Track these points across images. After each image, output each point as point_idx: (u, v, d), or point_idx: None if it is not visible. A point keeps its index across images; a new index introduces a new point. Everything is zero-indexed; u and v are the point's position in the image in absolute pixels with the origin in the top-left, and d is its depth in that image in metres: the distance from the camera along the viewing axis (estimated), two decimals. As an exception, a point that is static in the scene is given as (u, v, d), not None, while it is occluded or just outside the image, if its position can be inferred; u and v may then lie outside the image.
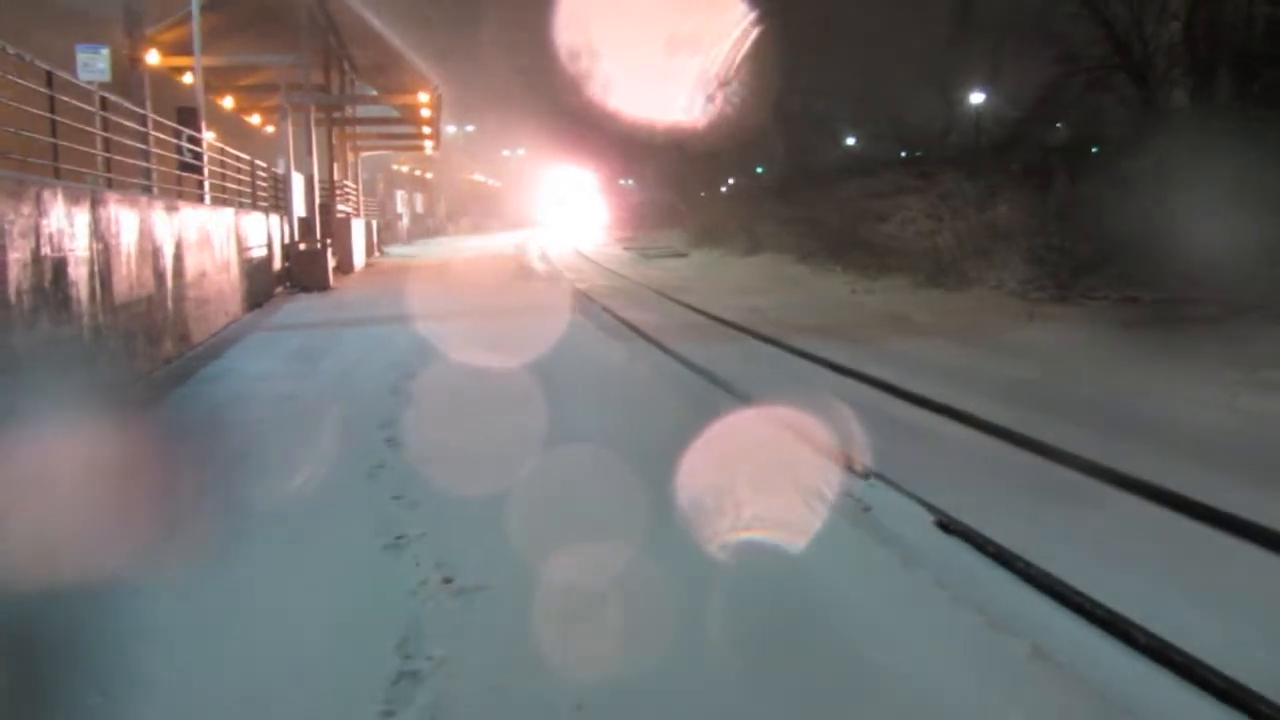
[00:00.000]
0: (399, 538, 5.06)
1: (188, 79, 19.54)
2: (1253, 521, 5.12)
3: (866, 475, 6.08)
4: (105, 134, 10.61)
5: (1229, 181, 11.76)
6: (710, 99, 26.43)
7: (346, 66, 27.03)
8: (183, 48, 19.00)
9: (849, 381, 9.57)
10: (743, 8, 23.09)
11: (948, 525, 5.31)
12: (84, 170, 9.74)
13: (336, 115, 28.04)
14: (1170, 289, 12.66)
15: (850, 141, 34.36)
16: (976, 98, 26.96)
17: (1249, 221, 11.06)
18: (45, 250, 7.57)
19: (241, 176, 18.31)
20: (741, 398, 8.62)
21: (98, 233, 8.74)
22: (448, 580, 4.47)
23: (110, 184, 10.37)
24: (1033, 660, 3.77)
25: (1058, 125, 21.63)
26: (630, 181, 52.21)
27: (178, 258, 11.51)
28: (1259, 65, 16.25)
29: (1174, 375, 9.22)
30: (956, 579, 4.53)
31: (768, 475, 5.92)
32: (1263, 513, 5.14)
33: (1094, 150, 20.17)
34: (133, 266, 9.74)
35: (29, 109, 8.50)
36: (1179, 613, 4.19)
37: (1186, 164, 13.76)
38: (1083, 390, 9.01)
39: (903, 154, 28.51)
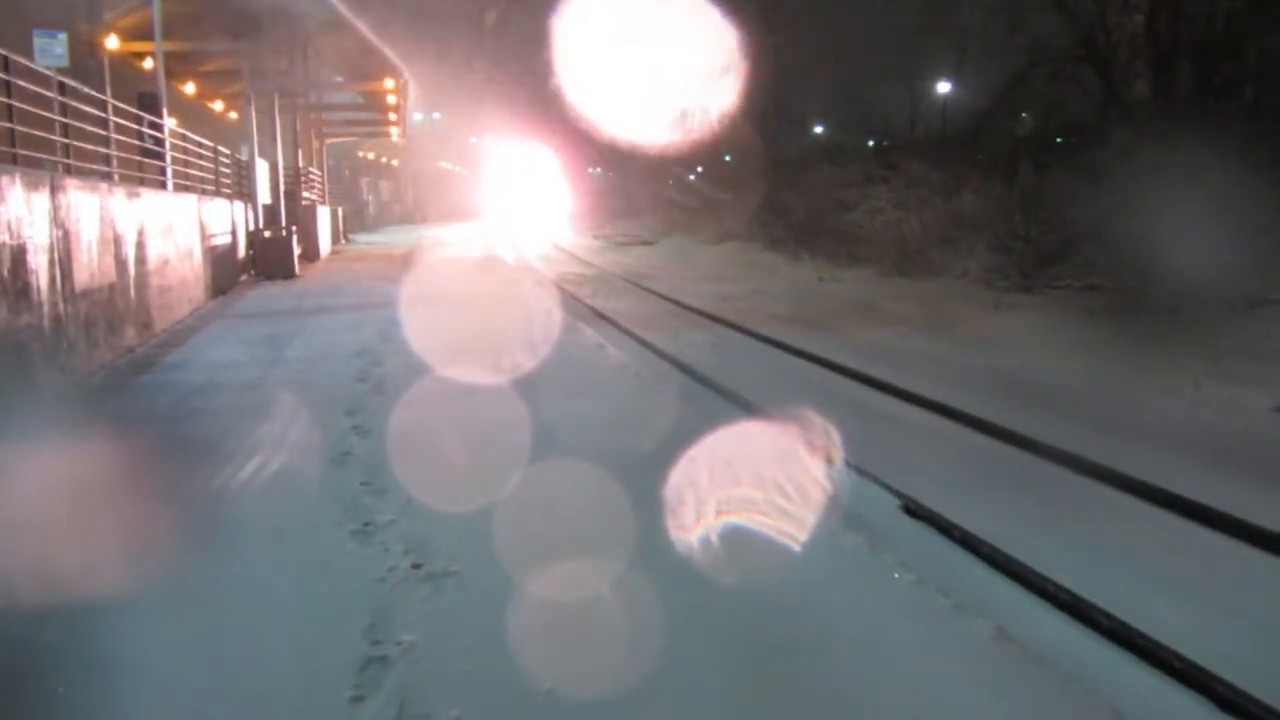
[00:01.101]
0: (367, 524, 5.03)
1: (148, 64, 19.26)
2: (1217, 509, 5.20)
3: (833, 461, 6.13)
4: (64, 120, 10.44)
5: (1190, 174, 11.92)
6: (693, 105, 26.37)
7: (311, 52, 26.71)
8: (143, 32, 18.73)
9: (815, 369, 9.63)
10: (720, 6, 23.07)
11: (914, 510, 5.37)
12: (43, 156, 9.58)
13: (301, 102, 27.72)
14: (1134, 279, 12.83)
15: (818, 130, 34.49)
16: (943, 87, 27.14)
17: (1210, 214, 11.22)
18: (3, 237, 7.45)
19: (204, 163, 18.07)
20: (710, 385, 8.65)
21: (57, 220, 8.61)
22: (416, 566, 4.46)
23: (70, 170, 10.21)
24: (997, 642, 3.81)
25: (1023, 115, 21.81)
26: (598, 169, 52.11)
27: (139, 245, 11.36)
28: (1219, 59, 16.46)
29: (1137, 364, 9.36)
30: (922, 562, 4.58)
31: (734, 461, 5.95)
32: (1223, 500, 5.24)
33: (1058, 141, 20.38)
34: (93, 254, 9.60)
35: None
36: (1130, 586, 4.27)
37: (1149, 156, 13.93)
38: (1048, 378, 9.12)
39: (870, 143, 28.65)
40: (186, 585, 4.30)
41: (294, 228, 22.22)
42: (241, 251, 19.51)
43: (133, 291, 10.98)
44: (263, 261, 20.21)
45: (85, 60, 17.35)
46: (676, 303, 15.45)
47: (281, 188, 23.82)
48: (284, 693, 3.41)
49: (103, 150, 11.88)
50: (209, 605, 4.14)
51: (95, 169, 11.50)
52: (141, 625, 3.91)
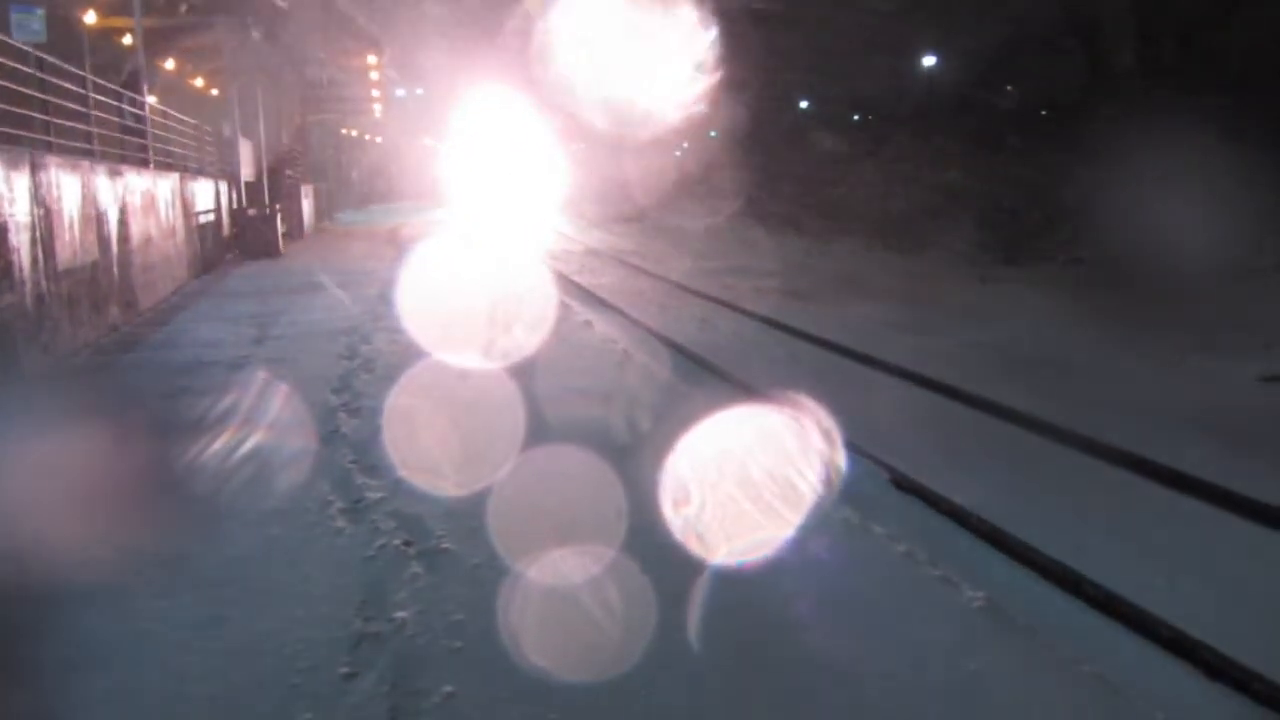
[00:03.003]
0: (357, 502, 5.03)
1: (128, 40, 19.00)
2: (1204, 479, 5.24)
3: (822, 435, 6.14)
4: (44, 97, 10.31)
5: (1175, 147, 11.94)
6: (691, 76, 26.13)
7: (292, 28, 26.41)
8: (121, 7, 18.46)
9: (800, 342, 9.64)
10: None
11: (902, 483, 5.39)
12: (23, 134, 9.46)
13: (283, 78, 27.42)
14: (1118, 253, 12.86)
15: (804, 105, 34.35)
16: (928, 61, 27.04)
17: (1195, 186, 11.24)
18: (-16, 215, 7.38)
19: (186, 141, 17.90)
20: (699, 362, 8.65)
21: (39, 198, 8.52)
22: (407, 543, 4.46)
23: (51, 148, 10.10)
24: (984, 613, 3.84)
25: (1008, 88, 21.78)
26: (585, 147, 51.77)
27: (122, 223, 11.26)
28: (1201, 29, 16.46)
29: (1123, 335, 9.39)
30: (911, 534, 4.61)
31: (723, 437, 5.96)
32: (1207, 470, 5.28)
33: (1043, 114, 20.38)
34: (76, 232, 9.51)
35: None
36: (1111, 551, 4.31)
37: (1133, 129, 13.94)
38: (1032, 351, 9.13)
39: (856, 118, 28.58)
40: (176, 565, 4.29)
41: (278, 206, 22.07)
42: (226, 230, 19.37)
43: (116, 270, 10.90)
44: (247, 240, 20.07)
45: (63, 36, 17.10)
46: (665, 279, 15.42)
47: (265, 166, 23.61)
48: (278, 670, 3.41)
49: (83, 128, 11.74)
50: (199, 584, 4.13)
51: (76, 146, 11.38)
52: (132, 605, 3.90)
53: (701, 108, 28.26)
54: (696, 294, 13.46)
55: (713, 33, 25.11)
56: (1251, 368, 7.98)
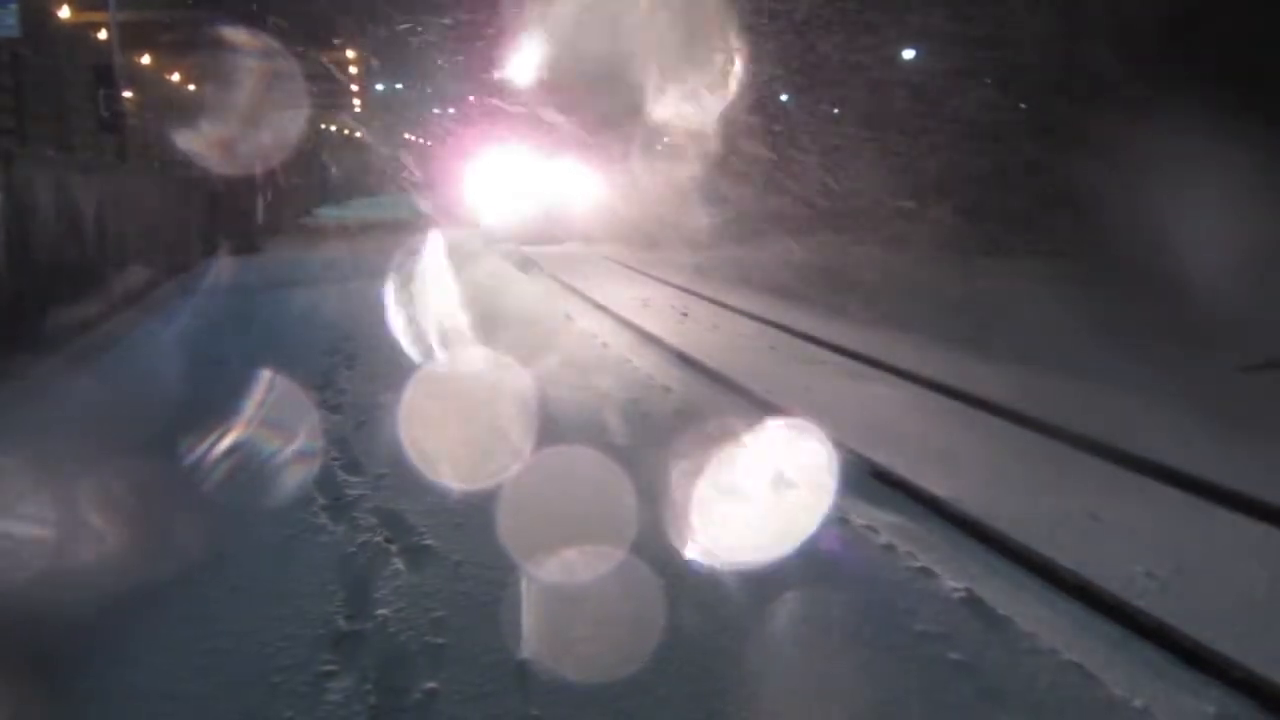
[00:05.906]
0: (337, 499, 5.00)
1: (104, 35, 18.83)
2: (1189, 473, 5.28)
3: (804, 430, 6.15)
4: (17, 91, 10.21)
5: (1154, 142, 11.98)
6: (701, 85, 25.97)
7: (270, 21, 26.26)
8: (97, 1, 18.31)
9: (786, 336, 9.66)
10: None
11: (883, 475, 5.40)
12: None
13: (261, 72, 27.24)
14: (1101, 247, 12.92)
15: (784, 98, 34.35)
16: (908, 54, 27.08)
17: (1175, 181, 11.29)
18: (-43, 211, 7.30)
19: (164, 136, 17.77)
20: (684, 357, 8.65)
21: (12, 194, 8.44)
22: (389, 541, 4.44)
23: (25, 143, 10.00)
24: (965, 605, 3.85)
25: (987, 82, 21.81)
26: (572, 142, 51.47)
27: (98, 219, 11.16)
28: (1183, 24, 16.52)
29: (1106, 326, 9.42)
30: (893, 527, 4.63)
31: (705, 429, 5.98)
32: (1188, 461, 5.31)
33: (1022, 107, 20.43)
34: (49, 228, 9.42)
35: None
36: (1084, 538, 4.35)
37: (1113, 124, 14.00)
38: (1014, 344, 9.14)
39: (836, 111, 28.58)
40: (152, 566, 4.25)
41: (256, 201, 21.95)
42: (203, 225, 19.23)
43: (91, 266, 10.80)
44: (225, 235, 19.94)
45: (37, 30, 16.93)
46: (647, 274, 15.43)
47: (243, 160, 23.45)
48: (257, 670, 3.39)
49: (58, 122, 11.64)
50: (178, 584, 4.09)
51: (51, 141, 11.27)
52: (113, 604, 3.86)
53: (691, 103, 28.17)
54: (680, 289, 13.47)
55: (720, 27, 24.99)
56: (1232, 358, 8.02)
